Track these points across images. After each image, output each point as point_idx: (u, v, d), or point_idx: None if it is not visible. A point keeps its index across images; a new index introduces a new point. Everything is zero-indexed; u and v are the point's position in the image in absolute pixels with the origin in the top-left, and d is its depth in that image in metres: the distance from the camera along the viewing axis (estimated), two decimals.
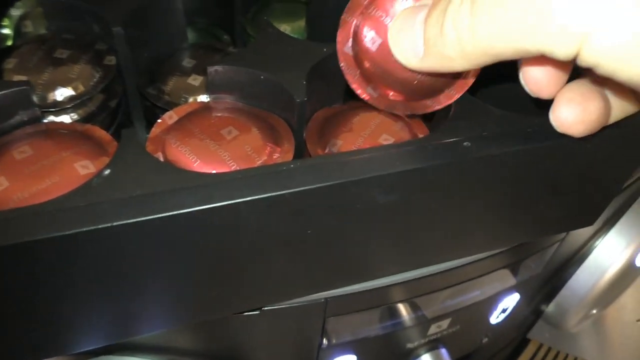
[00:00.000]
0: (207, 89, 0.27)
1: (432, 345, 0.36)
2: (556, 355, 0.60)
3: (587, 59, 0.16)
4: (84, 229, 0.18)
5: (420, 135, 0.27)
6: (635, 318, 0.46)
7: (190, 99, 0.30)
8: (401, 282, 0.28)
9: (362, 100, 0.25)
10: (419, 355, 0.36)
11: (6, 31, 0.32)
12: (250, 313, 0.27)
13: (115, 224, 0.18)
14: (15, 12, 0.33)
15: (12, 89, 0.23)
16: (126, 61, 0.29)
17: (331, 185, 0.20)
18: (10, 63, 0.27)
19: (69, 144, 0.23)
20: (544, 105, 0.23)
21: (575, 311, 0.43)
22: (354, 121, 0.27)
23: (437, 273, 0.29)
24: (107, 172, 0.20)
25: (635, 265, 0.40)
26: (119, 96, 0.29)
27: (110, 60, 0.28)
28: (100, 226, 0.18)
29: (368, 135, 0.26)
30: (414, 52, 0.20)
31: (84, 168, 0.22)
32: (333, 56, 0.28)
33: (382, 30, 0.23)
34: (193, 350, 0.30)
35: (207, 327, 0.29)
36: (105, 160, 0.23)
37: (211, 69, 0.26)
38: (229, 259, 0.22)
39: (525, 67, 0.22)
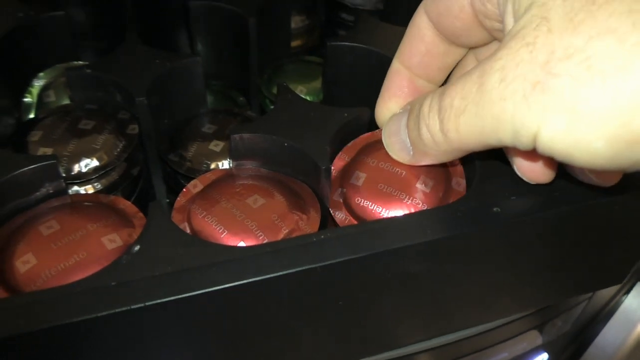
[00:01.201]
0: (230, 155, 0.27)
1: None
2: None
3: (543, 150, 0.17)
4: (117, 310, 0.18)
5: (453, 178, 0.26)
6: None
7: (212, 165, 0.30)
8: (429, 349, 0.28)
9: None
10: None
11: (28, 100, 0.33)
12: None
13: (147, 304, 0.18)
14: (38, 83, 0.33)
15: (40, 164, 0.23)
16: (148, 129, 0.29)
17: (363, 257, 0.20)
18: (35, 135, 0.27)
19: (95, 216, 0.23)
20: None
21: None
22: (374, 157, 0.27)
23: (466, 338, 0.28)
24: (136, 248, 0.20)
25: None
26: (140, 164, 0.29)
27: (133, 129, 0.29)
28: (132, 307, 0.18)
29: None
30: (406, 152, 0.24)
31: (112, 242, 0.22)
32: (353, 121, 0.28)
33: None
34: None
35: None
36: (132, 232, 0.23)
37: (235, 137, 0.26)
38: (258, 332, 0.22)
39: (514, 157, 0.22)
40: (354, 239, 0.21)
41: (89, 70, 0.30)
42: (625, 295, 0.39)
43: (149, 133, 0.29)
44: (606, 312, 0.39)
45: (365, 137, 0.28)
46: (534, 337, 0.34)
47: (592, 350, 0.41)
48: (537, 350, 0.35)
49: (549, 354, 0.37)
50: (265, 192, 0.25)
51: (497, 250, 0.23)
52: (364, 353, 0.25)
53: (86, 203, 0.24)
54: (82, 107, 0.30)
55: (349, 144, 0.28)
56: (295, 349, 0.23)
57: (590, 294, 0.34)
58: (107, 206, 0.24)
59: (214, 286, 0.19)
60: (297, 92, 0.32)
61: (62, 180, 0.25)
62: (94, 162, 0.27)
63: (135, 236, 0.23)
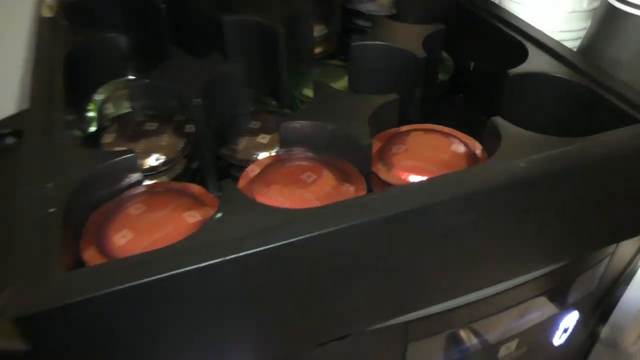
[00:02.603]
0: (281, 143, 0.31)
1: None
2: None
3: None
4: (214, 261, 0.21)
5: (476, 150, 0.30)
6: None
7: (261, 155, 0.33)
8: (474, 302, 0.31)
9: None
10: None
11: (91, 114, 0.37)
12: (336, 342, 0.29)
13: (241, 254, 0.21)
14: (98, 97, 0.37)
15: (122, 157, 0.27)
16: (202, 128, 0.33)
17: (414, 209, 0.23)
18: (108, 138, 0.31)
19: (173, 198, 0.27)
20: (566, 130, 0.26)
21: (631, 327, 0.44)
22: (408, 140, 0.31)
23: (505, 291, 0.31)
24: (218, 215, 0.24)
25: None
26: (198, 159, 0.33)
27: (190, 128, 0.32)
28: (226, 258, 0.21)
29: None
30: None
31: (192, 217, 0.26)
32: (385, 105, 0.32)
33: None
34: None
35: None
36: (206, 209, 0.26)
37: (284, 125, 0.30)
38: (324, 285, 0.25)
39: None
40: (403, 195, 0.24)
41: (147, 80, 0.33)
42: None
43: (203, 131, 0.33)
44: (628, 273, 0.42)
45: (393, 130, 0.32)
46: (565, 295, 0.37)
47: (617, 311, 0.43)
48: (568, 308, 0.38)
49: (579, 312, 0.39)
50: (316, 169, 0.29)
51: (524, 201, 0.26)
52: (416, 306, 0.28)
53: (162, 189, 0.28)
54: (142, 113, 0.34)
55: (380, 134, 0.32)
56: (354, 302, 0.26)
57: (610, 251, 0.37)
58: (180, 191, 0.28)
59: (295, 237, 0.22)
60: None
61: (140, 171, 0.28)
62: (162, 157, 0.30)
63: (210, 212, 0.26)
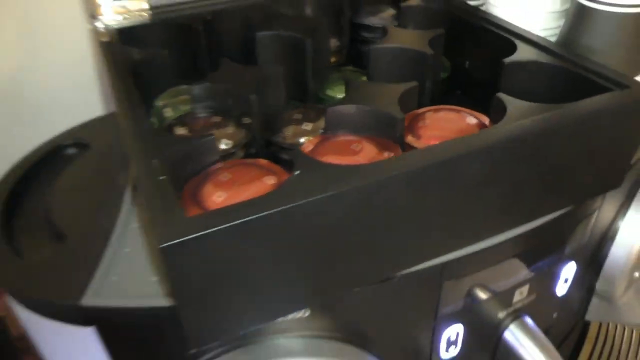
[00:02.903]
0: (326, 125, 0.37)
1: (517, 315, 0.44)
2: (612, 345, 0.66)
3: None
4: (300, 202, 0.27)
5: (485, 121, 0.37)
6: None
7: (304, 139, 0.40)
8: (494, 246, 0.37)
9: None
10: (507, 326, 0.44)
11: (153, 119, 0.43)
12: (382, 283, 0.35)
13: (322, 195, 0.27)
14: (158, 103, 0.44)
15: (205, 139, 0.33)
16: (257, 119, 0.39)
17: (445, 159, 0.30)
18: (181, 130, 0.37)
19: (249, 170, 0.33)
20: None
21: (619, 280, 0.51)
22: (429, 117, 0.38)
23: (516, 237, 0.38)
24: (296, 172, 0.30)
25: None
26: (254, 145, 0.39)
27: (247, 120, 0.39)
28: (310, 199, 0.27)
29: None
30: None
31: (270, 180, 0.32)
32: (410, 89, 0.39)
33: None
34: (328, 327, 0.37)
35: (334, 307, 0.37)
36: (279, 175, 0.33)
37: (330, 110, 0.37)
38: (382, 225, 0.31)
39: None
40: (437, 150, 0.31)
41: (208, 84, 0.40)
42: (627, 213, 0.49)
43: (258, 122, 0.39)
44: (614, 229, 0.49)
45: (414, 112, 0.39)
46: (564, 246, 0.43)
47: (608, 264, 0.50)
48: (566, 259, 0.45)
49: (576, 263, 0.46)
50: (360, 142, 0.36)
51: (528, 153, 0.33)
52: (451, 247, 0.35)
53: (239, 163, 0.34)
54: (203, 112, 0.40)
55: (406, 114, 0.39)
56: (401, 242, 0.32)
57: (598, 206, 0.44)
58: (253, 164, 0.34)
59: (365, 182, 0.28)
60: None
61: (218, 152, 0.34)
62: (230, 142, 0.37)
63: (282, 177, 0.32)
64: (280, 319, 0.34)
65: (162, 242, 0.25)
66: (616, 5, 0.39)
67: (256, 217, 0.26)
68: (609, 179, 0.40)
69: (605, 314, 0.57)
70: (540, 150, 0.34)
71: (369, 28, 0.55)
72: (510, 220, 0.37)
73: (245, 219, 0.26)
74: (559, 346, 0.54)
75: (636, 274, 0.52)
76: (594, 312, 0.57)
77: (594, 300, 0.57)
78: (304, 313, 0.35)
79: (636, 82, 0.37)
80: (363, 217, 0.30)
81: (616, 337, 0.70)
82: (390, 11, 0.57)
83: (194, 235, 0.25)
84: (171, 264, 0.25)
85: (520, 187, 0.35)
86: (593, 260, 0.50)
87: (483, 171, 0.32)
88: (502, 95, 0.36)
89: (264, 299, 0.30)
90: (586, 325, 0.66)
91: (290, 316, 0.34)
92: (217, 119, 0.38)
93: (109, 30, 0.48)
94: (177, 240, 0.25)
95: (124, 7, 0.51)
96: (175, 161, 0.32)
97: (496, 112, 0.36)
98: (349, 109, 0.37)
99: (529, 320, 0.44)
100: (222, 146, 0.36)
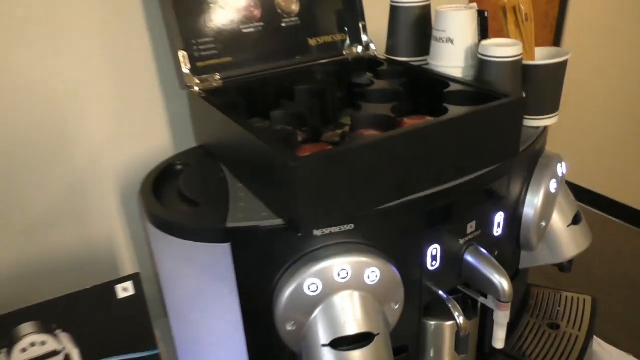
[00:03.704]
0: (352, 126, 0.67)
1: (471, 243, 0.71)
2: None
3: None
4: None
5: None
6: (565, 225, 0.82)
7: (335, 139, 0.69)
8: (456, 185, 0.66)
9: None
10: (466, 249, 0.71)
11: None
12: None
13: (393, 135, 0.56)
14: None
15: (293, 131, 0.62)
16: (313, 129, 0.68)
17: (419, 129, 0.60)
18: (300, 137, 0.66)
19: (311, 147, 0.62)
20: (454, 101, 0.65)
21: (533, 228, 0.79)
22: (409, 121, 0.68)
23: (464, 182, 0.66)
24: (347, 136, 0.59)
25: (551, 192, 0.79)
26: (310, 140, 0.68)
27: (307, 130, 0.68)
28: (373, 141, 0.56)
29: None
30: None
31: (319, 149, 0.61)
32: (393, 106, 0.70)
33: None
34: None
35: (364, 225, 0.63)
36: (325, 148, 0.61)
37: (354, 115, 0.66)
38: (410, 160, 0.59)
39: None
40: (423, 127, 0.60)
41: (282, 111, 0.69)
42: (530, 182, 0.79)
43: (314, 129, 0.68)
44: (524, 193, 0.79)
45: (401, 119, 0.70)
46: (493, 199, 0.72)
47: (525, 221, 0.79)
48: (495, 208, 0.74)
49: (504, 213, 0.75)
50: (370, 133, 0.65)
51: (459, 132, 0.64)
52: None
53: (307, 145, 0.63)
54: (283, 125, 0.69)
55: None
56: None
57: (508, 171, 0.74)
58: (311, 145, 0.63)
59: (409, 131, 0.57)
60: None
61: (298, 140, 0.63)
62: (301, 136, 0.65)
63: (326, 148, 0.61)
64: (334, 230, 0.60)
65: (294, 163, 0.53)
66: (498, 57, 0.72)
67: (332, 151, 0.54)
68: (509, 149, 0.70)
69: (528, 261, 0.86)
70: (467, 127, 0.64)
71: (359, 85, 0.86)
72: (455, 172, 0.66)
73: (328, 154, 0.54)
74: None
75: (542, 224, 0.81)
76: (523, 261, 0.86)
77: (523, 253, 0.85)
78: (350, 227, 0.61)
79: (512, 93, 0.69)
80: (383, 157, 0.58)
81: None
82: (369, 75, 0.89)
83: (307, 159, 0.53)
84: (298, 177, 0.53)
85: (457, 150, 0.65)
86: (514, 214, 0.79)
87: (437, 138, 0.62)
88: (446, 105, 0.67)
89: (342, 199, 0.57)
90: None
91: (340, 228, 0.61)
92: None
93: (202, 90, 0.77)
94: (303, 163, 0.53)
95: (207, 79, 0.80)
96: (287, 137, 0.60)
97: (442, 113, 0.67)
98: (364, 114, 0.67)
99: (480, 247, 0.72)
100: (299, 138, 0.65)
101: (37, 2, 0.76)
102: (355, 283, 0.61)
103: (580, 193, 1.85)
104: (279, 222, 0.59)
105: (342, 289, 0.61)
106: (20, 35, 0.76)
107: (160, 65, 0.88)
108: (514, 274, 0.87)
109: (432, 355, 0.77)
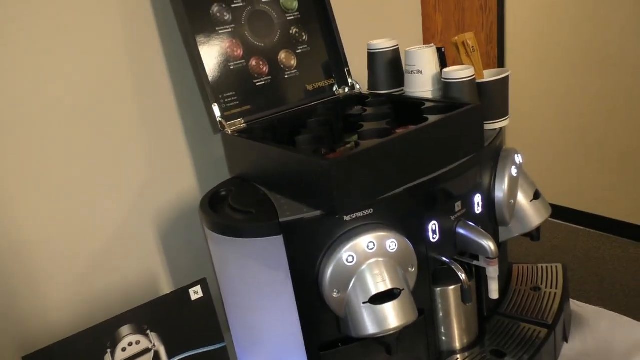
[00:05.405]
0: (359, 136, 0.89)
1: (460, 218, 0.92)
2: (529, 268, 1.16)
3: None
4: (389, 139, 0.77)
5: None
6: (528, 201, 1.04)
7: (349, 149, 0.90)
8: (444, 172, 0.87)
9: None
10: (457, 224, 0.92)
11: None
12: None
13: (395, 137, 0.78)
14: None
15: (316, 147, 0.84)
16: (329, 146, 0.90)
17: (410, 132, 0.82)
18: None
19: (335, 154, 0.83)
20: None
21: (504, 206, 1.01)
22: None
23: (448, 170, 0.88)
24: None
25: (513, 176, 1.02)
26: (330, 152, 0.90)
27: (324, 146, 0.90)
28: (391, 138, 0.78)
29: None
30: None
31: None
32: (387, 122, 0.92)
33: None
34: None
35: (381, 209, 0.84)
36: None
37: (361, 130, 0.88)
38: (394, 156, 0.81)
39: None
40: (413, 131, 0.83)
41: (307, 135, 0.91)
42: (497, 169, 1.01)
43: (329, 146, 0.90)
44: (494, 178, 1.01)
45: (395, 130, 0.93)
46: (472, 182, 0.94)
47: (497, 201, 1.01)
48: (474, 190, 0.95)
49: (481, 195, 0.97)
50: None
51: (432, 135, 0.86)
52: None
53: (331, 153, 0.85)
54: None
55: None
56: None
57: (478, 161, 0.96)
58: (335, 152, 0.85)
59: (407, 134, 0.79)
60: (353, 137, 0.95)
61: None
62: (323, 150, 0.87)
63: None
64: (359, 214, 0.80)
65: (327, 163, 0.74)
66: (457, 79, 0.97)
67: (353, 152, 0.76)
68: (477, 144, 0.93)
69: (505, 234, 1.07)
70: (444, 129, 0.87)
71: (353, 115, 1.09)
72: (439, 163, 0.88)
73: (350, 155, 0.76)
74: None
75: (511, 201, 1.03)
76: (502, 235, 1.07)
77: (500, 229, 1.07)
78: (370, 211, 0.82)
79: (472, 102, 0.93)
80: (388, 154, 0.80)
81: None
82: (359, 107, 1.12)
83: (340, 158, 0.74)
84: (332, 173, 0.74)
85: (439, 146, 0.87)
86: (489, 196, 1.01)
87: (425, 138, 0.84)
88: (425, 116, 0.90)
89: (363, 188, 0.78)
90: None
91: (362, 212, 0.81)
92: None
93: (234, 132, 0.98)
94: (334, 162, 0.74)
95: (234, 124, 1.01)
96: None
97: (423, 122, 0.90)
98: (368, 129, 0.89)
99: (467, 221, 0.93)
100: (322, 151, 0.87)
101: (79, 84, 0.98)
102: (381, 252, 0.81)
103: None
104: (318, 213, 0.79)
105: (371, 257, 0.81)
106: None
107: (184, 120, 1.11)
108: None
109: (441, 315, 0.96)
